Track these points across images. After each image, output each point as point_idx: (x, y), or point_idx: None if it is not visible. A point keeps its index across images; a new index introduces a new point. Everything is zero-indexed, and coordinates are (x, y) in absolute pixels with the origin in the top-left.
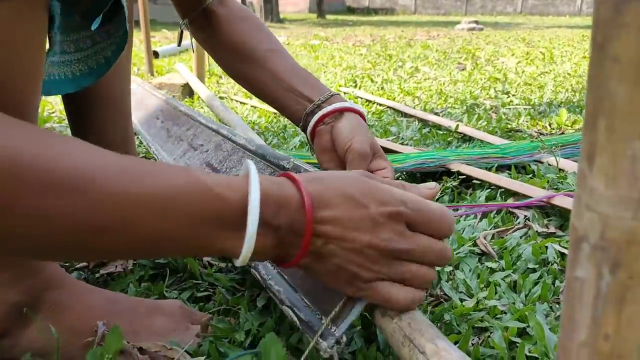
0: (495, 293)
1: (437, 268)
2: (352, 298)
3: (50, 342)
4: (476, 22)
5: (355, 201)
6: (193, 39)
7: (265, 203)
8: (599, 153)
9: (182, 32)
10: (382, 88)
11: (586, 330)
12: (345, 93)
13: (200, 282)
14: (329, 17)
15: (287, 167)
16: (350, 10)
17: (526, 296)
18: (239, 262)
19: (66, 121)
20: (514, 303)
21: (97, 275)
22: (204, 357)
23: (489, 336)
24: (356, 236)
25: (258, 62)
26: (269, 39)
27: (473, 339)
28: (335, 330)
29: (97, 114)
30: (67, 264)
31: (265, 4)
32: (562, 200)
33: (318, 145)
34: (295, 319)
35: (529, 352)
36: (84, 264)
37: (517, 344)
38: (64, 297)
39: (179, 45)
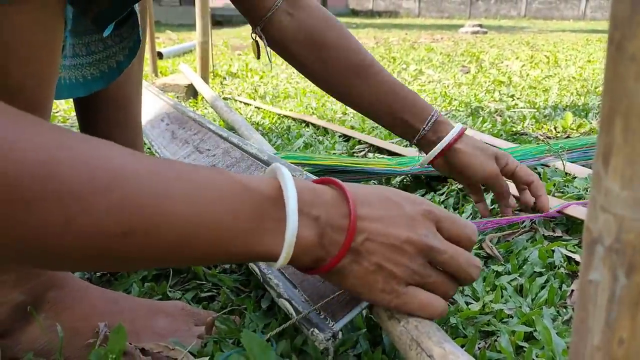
0: (502, 297)
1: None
2: (351, 301)
3: (52, 341)
4: (480, 25)
5: (390, 200)
6: (265, 48)
7: (301, 192)
8: (615, 154)
9: (257, 43)
10: None
11: (600, 335)
12: None
13: (204, 282)
14: None
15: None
16: (354, 13)
17: (533, 300)
18: (279, 264)
19: (70, 121)
20: (520, 307)
21: (100, 274)
22: (208, 358)
23: (495, 340)
24: (395, 232)
25: (362, 75)
26: (356, 44)
27: (479, 343)
28: (333, 325)
29: (105, 116)
30: None
31: None
32: (576, 210)
33: (457, 163)
34: (292, 310)
35: (536, 356)
36: None
37: (524, 349)
38: (66, 297)
39: (258, 57)
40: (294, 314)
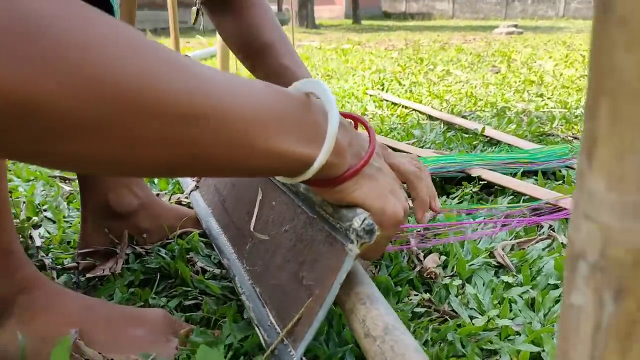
0: (510, 311)
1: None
2: (308, 316)
3: (19, 349)
4: (515, 25)
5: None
6: (202, 19)
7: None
8: (600, 144)
9: (197, 10)
10: (410, 91)
11: None
12: (370, 95)
13: (190, 289)
14: (365, 22)
15: None
16: (387, 16)
17: (545, 315)
18: (319, 161)
19: None
20: (530, 323)
21: (87, 279)
22: None
23: None
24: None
25: (259, 55)
26: (265, 26)
27: None
28: (293, 354)
29: None
30: (57, 265)
31: (300, 9)
32: None
33: None
34: (261, 339)
35: None
36: (74, 264)
37: None
38: (37, 302)
39: (194, 23)
40: (263, 342)
